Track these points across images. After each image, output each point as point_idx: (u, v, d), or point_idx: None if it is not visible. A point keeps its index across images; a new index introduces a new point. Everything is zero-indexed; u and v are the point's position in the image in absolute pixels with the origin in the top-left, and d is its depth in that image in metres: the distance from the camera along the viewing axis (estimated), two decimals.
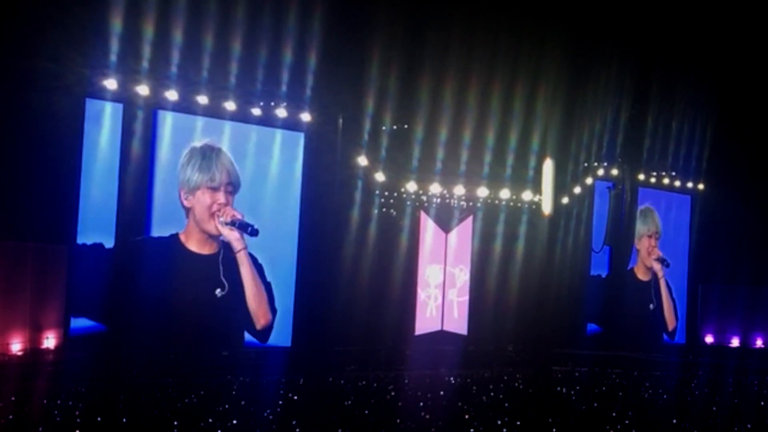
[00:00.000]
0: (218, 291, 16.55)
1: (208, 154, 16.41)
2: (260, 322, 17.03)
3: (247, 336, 16.97)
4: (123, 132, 15.20)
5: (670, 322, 22.99)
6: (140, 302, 15.63)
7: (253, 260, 16.93)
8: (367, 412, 11.30)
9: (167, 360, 15.38)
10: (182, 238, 16.32)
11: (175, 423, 9.93)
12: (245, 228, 16.46)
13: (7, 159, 14.02)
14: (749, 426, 11.09)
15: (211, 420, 10.24)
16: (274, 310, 17.16)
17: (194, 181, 16.26)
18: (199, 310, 16.40)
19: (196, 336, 16.30)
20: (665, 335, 22.88)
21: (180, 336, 16.10)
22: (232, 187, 16.61)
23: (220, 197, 16.42)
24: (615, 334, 21.53)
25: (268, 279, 17.14)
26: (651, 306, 22.68)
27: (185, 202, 16.22)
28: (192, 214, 16.31)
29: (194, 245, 16.41)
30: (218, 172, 16.45)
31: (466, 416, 11.13)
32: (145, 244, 15.81)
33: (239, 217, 16.47)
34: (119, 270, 15.14)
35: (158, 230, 16.09)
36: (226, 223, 16.41)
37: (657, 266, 22.72)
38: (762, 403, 13.36)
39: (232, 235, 16.54)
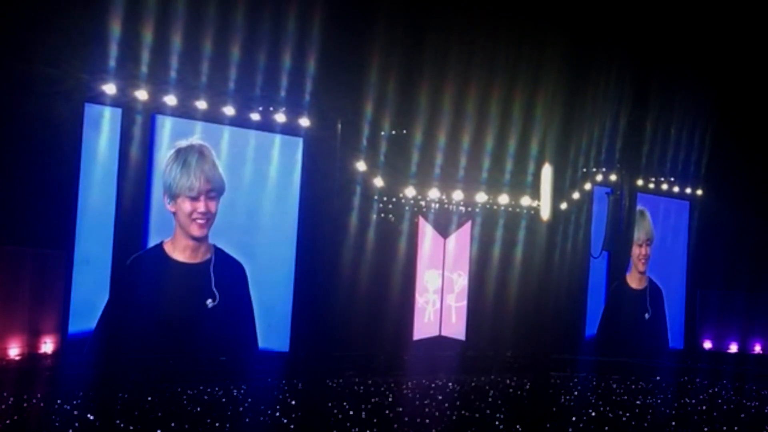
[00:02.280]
0: (209, 302, 16.47)
1: (188, 160, 16.19)
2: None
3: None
4: (122, 137, 15.18)
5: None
6: (135, 318, 15.48)
7: (236, 269, 16.82)
8: (365, 417, 11.31)
9: (165, 365, 15.34)
10: (168, 248, 16.13)
11: (173, 425, 9.93)
12: None
13: (6, 164, 13.99)
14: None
15: (209, 425, 10.24)
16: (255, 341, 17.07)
17: (174, 189, 16.09)
18: (191, 321, 16.27)
19: (190, 348, 16.17)
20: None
21: (174, 349, 15.99)
22: (215, 192, 16.41)
23: (200, 206, 16.22)
24: (611, 343, 21.52)
25: (251, 291, 17.01)
26: (646, 315, 22.64)
27: (169, 207, 16.11)
28: (177, 218, 16.23)
29: (181, 254, 16.27)
30: (196, 180, 16.21)
31: (465, 422, 11.14)
32: (136, 263, 15.63)
33: None
34: (114, 287, 15.09)
35: (156, 235, 16.01)
36: None
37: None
38: (761, 409, 13.38)
39: None
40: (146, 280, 15.77)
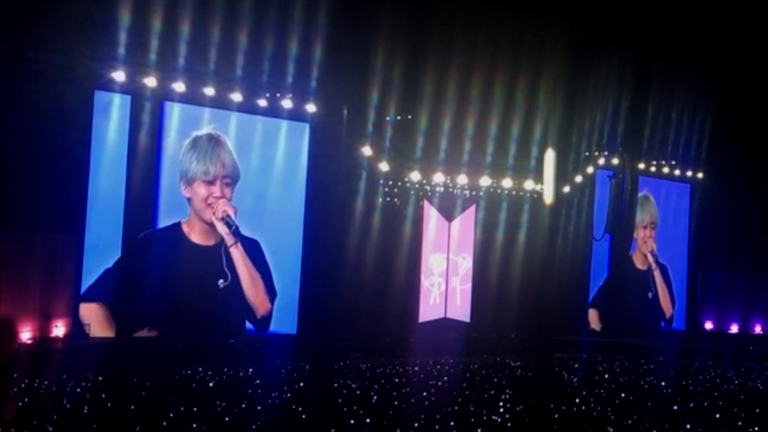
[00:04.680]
0: (221, 282, 16.71)
1: (205, 146, 16.51)
2: (259, 311, 17.20)
3: (248, 324, 17.22)
4: (131, 123, 15.36)
5: (667, 309, 23.18)
6: (148, 294, 15.84)
7: (253, 245, 17.09)
8: (371, 398, 11.45)
9: (175, 348, 15.53)
10: (185, 228, 16.47)
11: (182, 409, 10.06)
12: (229, 226, 16.63)
13: (17, 150, 14.15)
14: (747, 410, 11.24)
15: (219, 406, 10.39)
16: (272, 297, 17.32)
17: (191, 173, 16.41)
18: (202, 300, 16.58)
19: (201, 326, 16.46)
20: (662, 323, 23.07)
21: (186, 326, 16.27)
22: (230, 179, 16.70)
23: (215, 190, 16.53)
24: (616, 322, 21.70)
25: (270, 266, 17.32)
26: (650, 294, 22.85)
27: (184, 193, 16.39)
28: (192, 204, 16.50)
29: (197, 236, 16.57)
30: (212, 165, 16.54)
31: (469, 403, 11.28)
32: (150, 239, 15.95)
33: (230, 213, 16.64)
34: (127, 264, 15.33)
35: (165, 220, 16.27)
36: (219, 219, 16.60)
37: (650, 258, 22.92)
38: (761, 389, 13.53)
39: (224, 230, 16.69)
40: (160, 255, 16.08)
